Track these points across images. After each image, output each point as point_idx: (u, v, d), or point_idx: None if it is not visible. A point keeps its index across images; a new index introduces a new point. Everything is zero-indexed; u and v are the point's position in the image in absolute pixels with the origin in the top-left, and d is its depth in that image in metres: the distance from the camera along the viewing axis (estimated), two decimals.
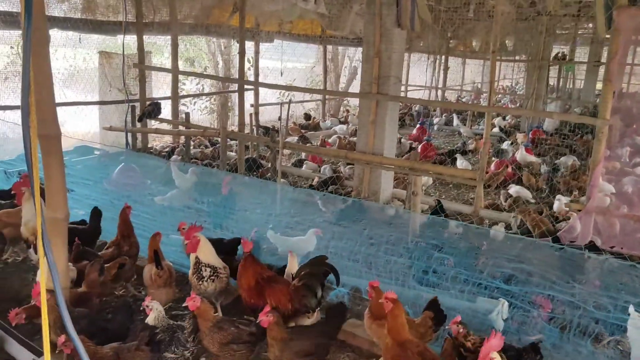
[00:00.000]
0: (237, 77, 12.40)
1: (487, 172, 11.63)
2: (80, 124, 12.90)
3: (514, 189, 10.27)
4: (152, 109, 10.76)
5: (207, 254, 4.84)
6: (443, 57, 21.22)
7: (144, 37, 11.60)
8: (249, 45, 14.93)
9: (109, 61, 12.09)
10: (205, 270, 4.76)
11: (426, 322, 4.35)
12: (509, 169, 11.58)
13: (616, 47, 6.49)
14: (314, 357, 4.09)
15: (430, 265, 4.94)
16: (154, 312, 4.42)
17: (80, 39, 11.50)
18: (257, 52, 15.07)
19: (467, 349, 4.04)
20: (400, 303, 3.89)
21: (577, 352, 4.28)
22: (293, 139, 14.31)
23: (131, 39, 11.24)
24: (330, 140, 13.86)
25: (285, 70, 24.70)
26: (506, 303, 4.89)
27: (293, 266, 5.04)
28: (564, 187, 10.69)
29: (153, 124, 12.35)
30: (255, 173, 9.81)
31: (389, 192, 9.16)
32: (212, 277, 4.77)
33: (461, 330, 4.12)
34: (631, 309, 4.53)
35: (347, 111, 20.47)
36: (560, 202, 8.58)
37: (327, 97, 19.95)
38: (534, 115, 16.11)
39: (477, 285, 4.75)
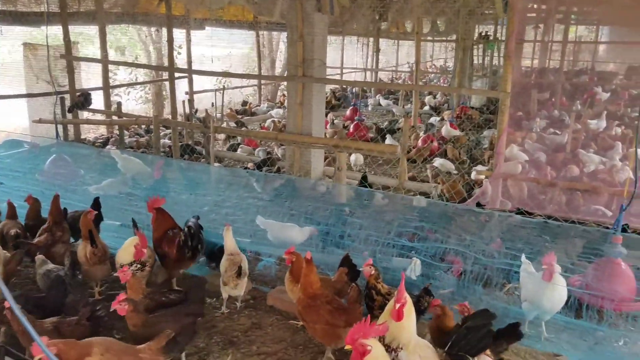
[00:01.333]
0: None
1: (415, 147, 12.34)
2: (9, 118, 12.64)
3: (438, 162, 10.99)
4: (82, 100, 10.72)
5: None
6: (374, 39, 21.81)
7: (70, 27, 11.47)
8: (181, 33, 14.95)
9: (34, 53, 11.89)
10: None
11: (342, 277, 4.83)
12: (435, 144, 12.31)
13: (512, 27, 7.14)
14: (181, 337, 4.07)
15: (345, 229, 5.42)
16: None
17: (1, 31, 11.25)
18: (188, 40, 15.10)
19: (378, 292, 4.48)
20: (312, 262, 4.34)
21: (473, 296, 4.87)
22: (231, 124, 14.53)
23: (58, 30, 11.11)
24: (266, 124, 14.19)
25: (222, 57, 24.69)
26: (418, 261, 5.44)
27: (229, 240, 5.38)
28: (485, 158, 11.50)
29: (86, 115, 12.27)
30: (190, 158, 10.04)
31: (319, 170, 9.60)
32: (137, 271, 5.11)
33: (373, 272, 4.53)
34: (523, 257, 5.17)
35: (284, 95, 20.82)
36: (476, 172, 9.29)
37: (262, 82, 20.17)
38: (449, 91, 17.08)
39: (387, 245, 5.27)
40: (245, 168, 10.13)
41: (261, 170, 9.48)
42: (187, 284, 4.45)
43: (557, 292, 4.62)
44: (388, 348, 3.36)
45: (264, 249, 5.68)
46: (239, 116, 16.03)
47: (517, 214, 6.49)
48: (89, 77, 14.97)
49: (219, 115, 13.89)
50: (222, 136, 13.19)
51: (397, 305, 3.45)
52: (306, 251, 4.38)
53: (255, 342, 4.90)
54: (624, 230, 5.64)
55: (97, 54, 14.60)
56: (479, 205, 6.75)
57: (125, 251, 5.21)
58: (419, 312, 4.56)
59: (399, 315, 3.45)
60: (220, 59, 24.30)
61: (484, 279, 4.95)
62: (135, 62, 16.71)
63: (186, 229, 5.40)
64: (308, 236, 5.71)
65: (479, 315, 3.82)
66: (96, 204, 6.26)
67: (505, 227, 6.03)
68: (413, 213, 5.60)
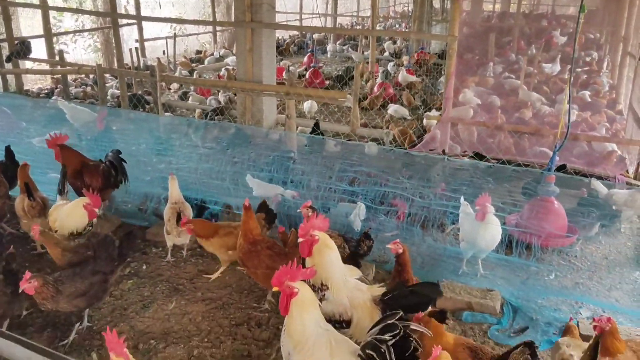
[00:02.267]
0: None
1: (371, 94, 12.30)
2: None
3: (392, 108, 11.01)
4: (21, 49, 10.19)
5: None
6: None
7: None
8: None
9: None
10: None
11: (260, 222, 4.87)
12: (390, 90, 12.29)
13: None
14: (93, 293, 4.09)
15: (288, 176, 5.43)
16: None
17: None
18: None
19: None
20: (250, 208, 4.35)
21: (413, 239, 5.01)
22: (184, 73, 14.11)
23: None
24: (221, 73, 13.84)
25: (176, 2, 23.71)
26: (363, 205, 5.53)
27: (174, 189, 5.35)
28: (439, 104, 11.56)
29: (28, 65, 11.70)
30: (140, 109, 9.76)
31: (272, 118, 9.50)
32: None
33: (310, 214, 4.55)
34: (462, 199, 5.31)
35: None
36: (427, 117, 9.35)
37: (218, 29, 19.55)
38: (406, 36, 16.95)
39: (328, 189, 5.32)
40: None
41: (213, 119, 9.33)
42: (97, 241, 4.33)
43: (490, 231, 4.78)
44: (313, 287, 3.44)
45: (210, 197, 5.64)
46: (193, 64, 15.57)
47: (470, 157, 6.61)
48: (33, 23, 14.20)
49: (167, 63, 13.44)
50: (175, 85, 12.85)
51: (300, 240, 3.51)
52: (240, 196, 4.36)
53: (200, 289, 4.96)
54: (561, 170, 5.82)
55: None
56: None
57: (74, 216, 4.91)
58: (359, 255, 4.68)
59: (306, 251, 3.51)
60: (175, 5, 23.37)
61: (422, 221, 5.07)
62: (79, 7, 15.86)
63: (107, 161, 5.69)
64: (289, 197, 5.62)
65: (428, 287, 3.67)
66: (9, 153, 6.11)
67: (449, 170, 6.15)
68: (353, 158, 5.62)
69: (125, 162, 5.78)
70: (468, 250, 5.05)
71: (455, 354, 3.25)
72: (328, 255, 3.56)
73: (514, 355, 3.09)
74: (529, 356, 3.07)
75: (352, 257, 4.56)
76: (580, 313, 4.60)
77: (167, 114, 8.96)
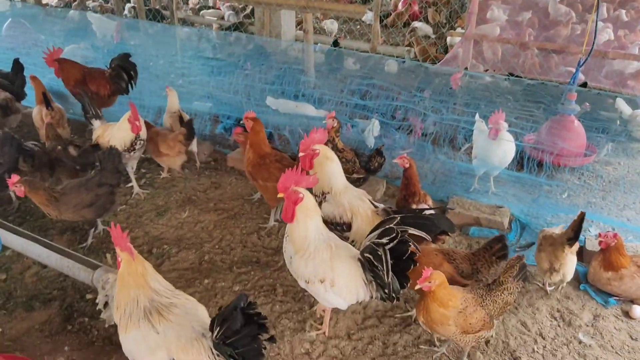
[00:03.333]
0: None
1: (395, 11, 11.82)
2: None
3: (417, 24, 10.60)
4: None
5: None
6: None
7: None
8: None
9: None
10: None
11: (179, 138, 5.01)
12: (415, 8, 11.77)
13: None
14: (100, 204, 4.16)
15: (299, 89, 5.34)
16: None
17: None
18: None
19: (334, 145, 4.51)
20: (259, 120, 4.33)
21: (421, 152, 4.97)
22: None
23: None
24: None
25: None
26: (377, 122, 5.46)
27: (173, 101, 5.37)
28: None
29: None
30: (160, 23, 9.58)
31: (291, 34, 9.24)
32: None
33: (335, 124, 4.51)
34: (476, 116, 5.19)
35: None
36: (451, 35, 8.98)
37: None
38: None
39: (339, 103, 5.24)
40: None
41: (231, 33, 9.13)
42: (102, 153, 4.37)
43: (503, 148, 4.70)
44: (315, 197, 3.48)
45: (224, 111, 5.64)
46: None
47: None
48: None
49: None
50: (193, 0, 12.53)
51: (301, 154, 3.55)
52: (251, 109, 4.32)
53: (213, 200, 5.08)
54: (583, 86, 5.59)
55: None
56: None
57: (122, 131, 4.79)
58: (370, 171, 4.68)
59: (307, 164, 3.55)
60: None
61: (434, 137, 4.99)
62: None
63: (113, 66, 5.76)
64: (313, 111, 5.50)
65: (440, 219, 3.48)
66: (17, 65, 6.15)
67: (467, 86, 5.98)
68: (366, 71, 5.45)
69: (134, 65, 5.78)
70: (480, 167, 4.99)
71: (429, 259, 3.30)
72: (329, 166, 3.58)
73: (509, 262, 3.13)
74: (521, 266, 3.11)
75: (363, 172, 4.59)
76: (590, 230, 4.59)
77: (185, 28, 8.78)
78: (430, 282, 2.87)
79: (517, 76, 6.39)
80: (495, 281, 3.12)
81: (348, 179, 4.31)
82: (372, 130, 5.40)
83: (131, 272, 2.60)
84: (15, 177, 3.89)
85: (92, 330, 3.47)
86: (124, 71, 5.73)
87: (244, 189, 5.25)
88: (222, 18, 10.83)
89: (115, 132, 4.85)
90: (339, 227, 3.57)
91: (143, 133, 4.87)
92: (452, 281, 2.99)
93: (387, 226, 2.97)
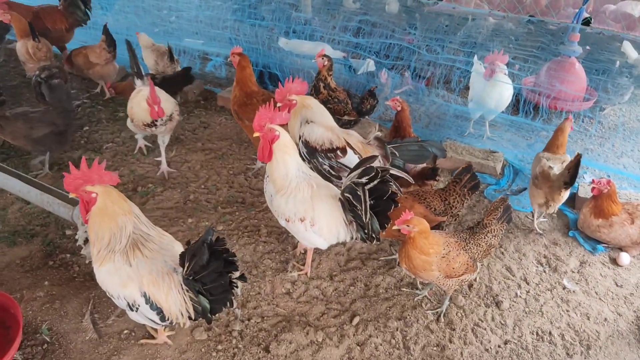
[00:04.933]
0: None
1: None
2: None
3: None
4: None
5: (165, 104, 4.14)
6: None
7: None
8: None
9: None
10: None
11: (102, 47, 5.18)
12: None
13: None
14: (40, 139, 4.09)
15: (290, 25, 5.12)
16: None
17: None
18: None
19: (327, 85, 4.33)
20: (246, 57, 4.15)
21: (414, 94, 4.81)
22: None
23: None
24: None
25: None
26: (372, 62, 5.27)
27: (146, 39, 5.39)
28: None
29: None
30: None
31: None
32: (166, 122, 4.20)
33: (326, 62, 4.30)
34: (475, 57, 5.00)
35: None
36: None
37: None
38: None
39: (331, 41, 5.03)
40: None
41: None
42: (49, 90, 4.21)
43: (499, 90, 4.54)
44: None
45: (212, 49, 5.44)
46: None
47: None
48: None
49: None
50: None
51: (278, 105, 3.47)
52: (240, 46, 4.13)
53: (201, 139, 4.98)
54: (586, 24, 5.33)
55: None
56: None
57: (142, 108, 4.09)
58: (362, 113, 4.54)
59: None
60: None
61: (428, 77, 4.81)
62: None
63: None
64: (340, 56, 5.23)
65: (434, 145, 3.55)
66: None
67: (472, 29, 5.73)
68: (356, 6, 5.18)
69: None
70: (476, 111, 4.85)
71: (401, 203, 3.21)
72: (306, 113, 3.46)
73: (494, 204, 3.05)
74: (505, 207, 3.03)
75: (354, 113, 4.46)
76: (584, 177, 4.49)
77: None
78: (409, 225, 2.80)
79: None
80: (479, 224, 3.05)
81: (338, 120, 4.21)
82: (366, 70, 5.23)
83: (115, 200, 2.50)
84: None
85: (73, 266, 3.45)
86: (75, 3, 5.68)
87: (233, 129, 5.14)
88: None
89: (135, 107, 4.15)
90: (331, 154, 3.45)
91: (167, 109, 4.14)
92: (427, 220, 2.92)
93: (367, 165, 2.88)
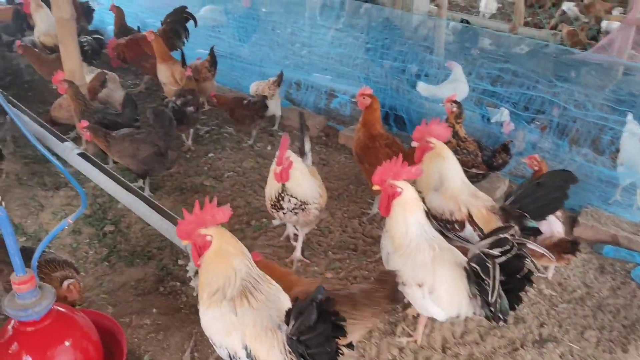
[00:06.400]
0: None
1: None
2: None
3: (566, 5, 9.49)
4: None
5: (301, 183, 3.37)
6: None
7: None
8: None
9: None
10: (289, 201, 3.36)
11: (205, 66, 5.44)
12: None
13: None
14: (142, 159, 4.26)
15: (423, 69, 4.90)
16: None
17: None
18: None
19: (455, 133, 4.06)
20: (376, 98, 4.00)
21: (555, 150, 4.33)
22: None
23: None
24: None
25: None
26: (506, 111, 4.89)
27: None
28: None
29: None
30: None
31: (424, 6, 8.67)
32: (296, 211, 3.39)
33: (455, 109, 4.05)
34: (629, 116, 4.43)
35: None
36: (607, 18, 7.89)
37: None
38: None
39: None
40: None
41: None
42: (153, 112, 4.41)
43: None
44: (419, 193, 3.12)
45: (340, 86, 5.38)
46: None
47: None
48: None
49: None
50: None
51: (413, 143, 3.32)
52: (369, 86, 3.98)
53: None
54: None
55: None
56: None
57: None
58: (493, 167, 4.19)
59: (418, 156, 3.30)
60: None
61: (572, 135, 4.31)
62: None
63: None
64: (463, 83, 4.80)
65: (557, 175, 3.15)
66: None
67: (619, 80, 5.13)
68: (500, 54, 4.80)
69: (192, 18, 5.98)
70: (627, 177, 4.28)
71: None
72: (439, 164, 3.20)
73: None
74: None
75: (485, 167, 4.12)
76: None
77: None
78: None
79: None
80: None
81: (466, 172, 3.89)
82: (499, 120, 4.86)
83: (229, 240, 2.42)
84: (84, 123, 4.31)
85: (181, 295, 3.45)
86: (179, 25, 6.06)
87: (352, 169, 5.00)
88: None
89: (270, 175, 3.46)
90: (449, 225, 3.18)
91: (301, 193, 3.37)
92: None
93: (502, 235, 2.55)
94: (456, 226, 3.14)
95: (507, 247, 2.49)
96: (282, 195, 3.34)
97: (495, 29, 8.15)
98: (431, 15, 8.60)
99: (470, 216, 3.11)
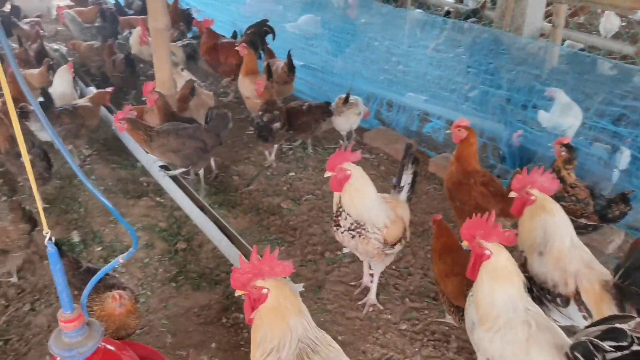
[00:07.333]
0: None
1: None
2: None
3: None
4: None
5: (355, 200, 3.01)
6: None
7: None
8: None
9: None
10: (346, 219, 3.06)
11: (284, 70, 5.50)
12: None
13: None
14: (185, 154, 4.33)
15: (531, 99, 4.35)
16: None
17: None
18: None
19: (561, 178, 3.59)
20: (474, 131, 3.58)
21: None
22: None
23: None
24: None
25: None
26: (627, 152, 4.24)
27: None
28: None
29: None
30: (393, 4, 9.16)
31: (536, 26, 7.97)
32: (353, 233, 3.06)
33: (564, 153, 3.62)
34: None
35: None
36: None
37: None
38: None
39: (581, 125, 4.12)
40: (447, 13, 8.89)
41: (466, 20, 8.24)
42: (215, 113, 4.56)
43: None
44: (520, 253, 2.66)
45: (435, 110, 4.96)
46: None
47: None
48: None
49: None
50: None
51: (512, 194, 2.89)
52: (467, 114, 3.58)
53: None
54: None
55: None
56: None
57: None
58: (606, 219, 3.60)
59: (517, 210, 2.89)
60: None
61: None
62: None
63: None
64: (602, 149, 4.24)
65: None
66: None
67: None
68: (627, 88, 4.12)
69: (271, 32, 6.01)
70: None
71: None
72: (544, 220, 2.72)
73: None
74: None
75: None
76: None
77: (417, 10, 8.17)
78: None
79: None
80: None
81: (573, 222, 3.35)
82: (619, 162, 4.22)
83: (287, 295, 2.16)
84: (121, 114, 4.28)
85: (242, 330, 3.26)
86: (258, 37, 6.09)
87: (441, 202, 4.58)
88: (461, 1, 9.95)
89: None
90: (550, 296, 2.71)
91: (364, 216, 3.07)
92: None
93: (617, 325, 2.07)
94: (558, 301, 2.65)
95: (623, 343, 2.01)
96: (340, 210, 3.08)
97: (619, 50, 7.28)
98: (544, 36, 7.91)
99: (577, 293, 2.61)
